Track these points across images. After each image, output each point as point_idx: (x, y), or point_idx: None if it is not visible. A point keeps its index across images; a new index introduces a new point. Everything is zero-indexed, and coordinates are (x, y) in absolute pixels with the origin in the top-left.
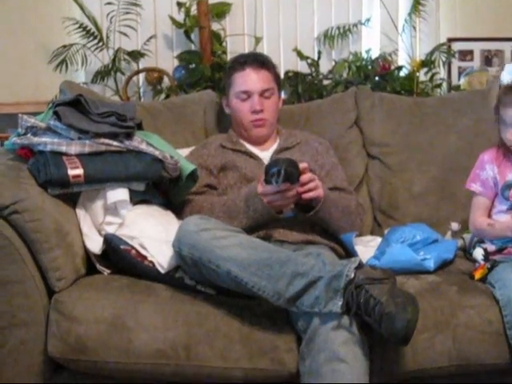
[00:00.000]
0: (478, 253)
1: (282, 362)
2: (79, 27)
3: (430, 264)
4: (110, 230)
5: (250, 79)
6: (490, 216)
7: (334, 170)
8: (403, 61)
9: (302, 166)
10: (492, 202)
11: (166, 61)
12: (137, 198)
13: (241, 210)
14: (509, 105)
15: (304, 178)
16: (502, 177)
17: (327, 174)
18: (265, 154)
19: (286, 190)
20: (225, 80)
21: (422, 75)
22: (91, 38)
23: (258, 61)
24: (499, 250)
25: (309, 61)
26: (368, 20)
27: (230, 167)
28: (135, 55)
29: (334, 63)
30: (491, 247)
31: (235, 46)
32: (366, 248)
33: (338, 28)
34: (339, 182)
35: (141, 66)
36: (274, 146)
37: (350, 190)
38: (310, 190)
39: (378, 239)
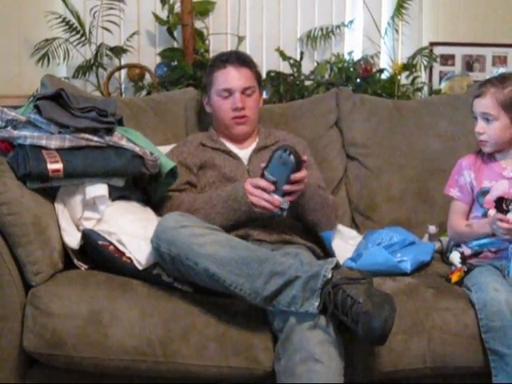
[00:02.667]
0: (455, 256)
1: (257, 361)
2: (62, 21)
3: (407, 266)
4: (89, 225)
5: (232, 77)
6: (467, 220)
7: (310, 169)
8: (385, 64)
9: (304, 158)
10: (470, 207)
11: (149, 57)
12: (116, 194)
13: (222, 206)
14: (477, 96)
15: (301, 174)
16: (478, 183)
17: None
18: (244, 153)
19: (274, 189)
20: (206, 78)
21: (404, 78)
22: (74, 33)
23: (240, 59)
24: (475, 254)
25: (291, 61)
26: (351, 22)
27: (210, 166)
28: (117, 51)
29: (316, 64)
30: (468, 251)
31: (218, 45)
32: (346, 245)
33: (321, 29)
34: (316, 179)
35: (123, 62)
36: (254, 145)
37: (325, 188)
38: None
39: (359, 239)
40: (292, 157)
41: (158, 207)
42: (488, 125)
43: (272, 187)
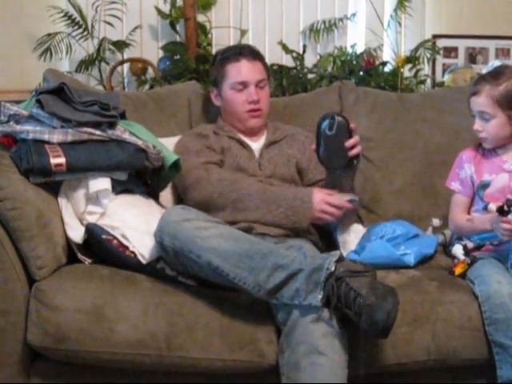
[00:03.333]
0: (458, 249)
1: (261, 354)
2: (64, 16)
3: (410, 259)
4: (92, 219)
5: (246, 70)
6: (468, 214)
7: None
8: (388, 56)
9: (352, 125)
10: (471, 200)
11: (151, 51)
12: (119, 188)
13: (281, 204)
14: (473, 94)
15: (355, 140)
16: (478, 176)
17: (316, 166)
18: (255, 146)
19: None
20: (217, 71)
21: (407, 71)
22: (76, 27)
23: (253, 52)
24: (478, 247)
25: (294, 54)
26: (354, 15)
27: (227, 153)
28: (120, 45)
29: (318, 57)
30: (470, 244)
31: (220, 38)
32: (349, 238)
33: (324, 22)
34: None
35: (125, 57)
36: (263, 139)
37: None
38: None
39: (362, 232)
40: (341, 118)
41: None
42: (486, 123)
43: (347, 204)
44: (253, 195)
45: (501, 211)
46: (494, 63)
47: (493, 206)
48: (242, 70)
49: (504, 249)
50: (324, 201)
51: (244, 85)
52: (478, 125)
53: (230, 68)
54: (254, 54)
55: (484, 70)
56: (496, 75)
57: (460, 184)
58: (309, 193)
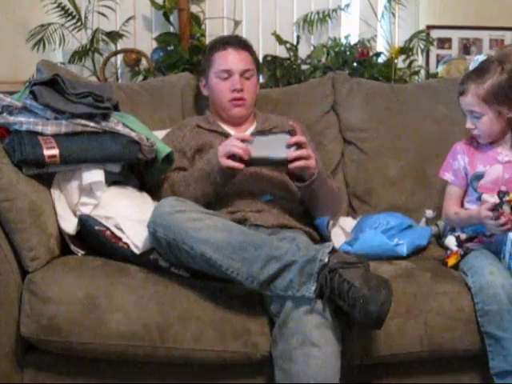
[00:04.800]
0: (451, 240)
1: (254, 345)
2: (57, 7)
3: (403, 249)
4: (85, 210)
5: (232, 59)
6: (462, 204)
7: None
8: (382, 47)
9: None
10: (464, 191)
11: (145, 42)
12: (111, 179)
13: (199, 173)
14: (460, 94)
15: (298, 138)
16: (472, 167)
17: None
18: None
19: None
20: (204, 60)
21: (401, 62)
22: (69, 18)
23: (240, 42)
24: (470, 239)
25: (287, 45)
26: (347, 6)
27: (206, 148)
28: (113, 36)
29: (312, 48)
30: (463, 235)
31: (214, 29)
32: (341, 230)
33: (318, 13)
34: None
35: (119, 47)
36: (251, 129)
37: (330, 176)
38: (300, 158)
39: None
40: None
41: (153, 192)
42: (477, 121)
43: (251, 138)
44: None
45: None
46: (479, 58)
47: (486, 197)
48: (228, 59)
49: (497, 240)
50: (225, 143)
51: (228, 73)
52: (469, 124)
53: (216, 56)
54: (241, 44)
55: (470, 66)
56: (480, 72)
57: (453, 175)
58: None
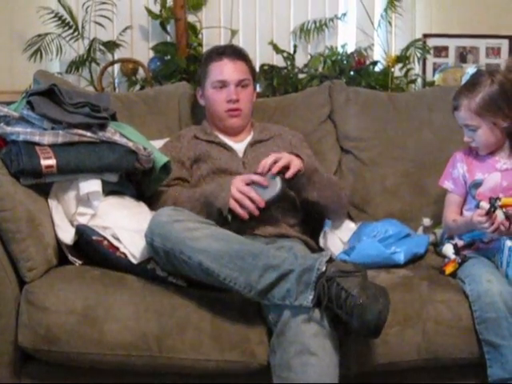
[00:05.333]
0: (448, 248)
1: (252, 355)
2: (54, 17)
3: (400, 257)
4: (83, 220)
5: (227, 69)
6: (462, 212)
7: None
8: (378, 56)
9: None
10: (464, 199)
11: (142, 52)
12: (109, 189)
13: (204, 190)
14: (454, 109)
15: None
16: (470, 175)
17: None
18: (239, 146)
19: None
20: (201, 70)
21: (397, 71)
22: (66, 28)
23: (236, 52)
24: (468, 246)
25: (284, 54)
26: (344, 15)
27: (204, 159)
28: (110, 46)
29: (309, 57)
30: (460, 242)
31: (211, 39)
32: (339, 239)
33: (314, 22)
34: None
35: (116, 57)
36: (248, 139)
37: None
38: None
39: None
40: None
41: (150, 203)
42: (473, 134)
43: (265, 182)
44: (185, 201)
45: (492, 203)
46: (469, 71)
47: (484, 204)
48: (223, 69)
49: (494, 247)
50: (242, 180)
51: (224, 84)
52: (466, 137)
53: (212, 67)
54: (236, 54)
55: (462, 80)
56: (471, 86)
57: (453, 183)
58: (229, 179)
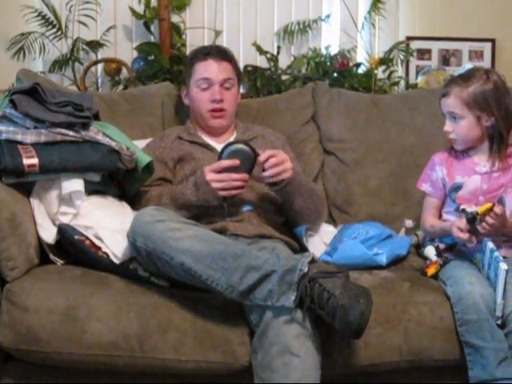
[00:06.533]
0: (430, 250)
1: (234, 355)
2: (38, 16)
3: (383, 259)
4: (65, 220)
5: (212, 69)
6: (441, 215)
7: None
8: (362, 58)
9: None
10: (443, 202)
11: (125, 52)
12: (91, 188)
13: (188, 197)
14: (442, 95)
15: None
16: (450, 178)
17: None
18: (221, 147)
19: (233, 170)
20: (185, 70)
21: (380, 73)
22: (50, 27)
23: (221, 52)
24: (449, 248)
25: (268, 56)
26: (328, 16)
27: (188, 159)
28: (94, 45)
29: (293, 59)
30: (441, 245)
31: (195, 39)
32: (321, 239)
33: (298, 24)
34: (305, 181)
35: (99, 57)
36: (231, 139)
37: (308, 180)
38: (274, 175)
39: (334, 233)
40: (246, 147)
41: (132, 203)
42: (455, 124)
43: (237, 161)
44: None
45: (469, 219)
46: (466, 66)
47: (465, 208)
48: (208, 69)
49: (476, 250)
50: (210, 170)
51: (209, 83)
52: (447, 126)
53: (196, 66)
54: (221, 54)
55: (456, 73)
56: (466, 77)
57: (431, 186)
58: (200, 178)
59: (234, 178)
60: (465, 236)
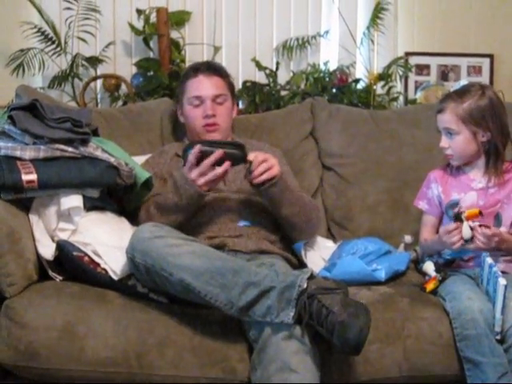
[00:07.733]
0: (429, 266)
1: (233, 372)
2: (37, 32)
3: (381, 274)
4: (63, 236)
5: (202, 85)
6: (438, 232)
7: (288, 177)
8: (361, 74)
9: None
10: (439, 219)
11: (125, 68)
12: (90, 204)
13: (172, 201)
14: (438, 111)
15: (252, 156)
16: (446, 196)
17: None
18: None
19: (213, 160)
20: (178, 88)
21: (379, 88)
22: (49, 43)
23: (211, 68)
24: (448, 264)
25: (267, 71)
26: (327, 32)
27: None
28: (93, 61)
29: (291, 74)
30: (440, 260)
31: (194, 55)
32: (320, 255)
33: (297, 39)
34: (294, 187)
35: (99, 73)
36: None
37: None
38: (263, 172)
39: (333, 249)
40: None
41: (131, 218)
42: (451, 139)
43: (218, 154)
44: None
45: (456, 219)
46: (461, 82)
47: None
48: (199, 85)
49: (475, 265)
50: (186, 168)
51: (200, 100)
52: (443, 142)
53: (188, 84)
54: (211, 70)
55: (452, 89)
56: (461, 93)
57: (427, 203)
58: (181, 182)
59: (217, 173)
60: (454, 238)
